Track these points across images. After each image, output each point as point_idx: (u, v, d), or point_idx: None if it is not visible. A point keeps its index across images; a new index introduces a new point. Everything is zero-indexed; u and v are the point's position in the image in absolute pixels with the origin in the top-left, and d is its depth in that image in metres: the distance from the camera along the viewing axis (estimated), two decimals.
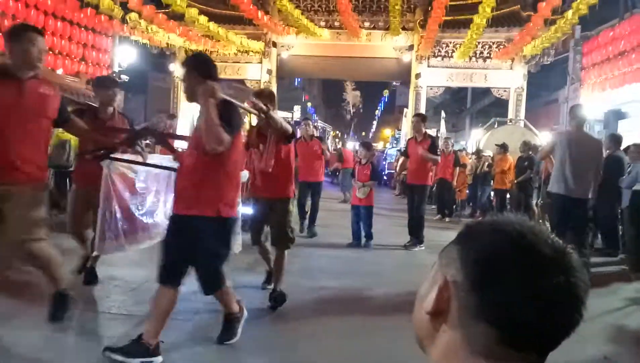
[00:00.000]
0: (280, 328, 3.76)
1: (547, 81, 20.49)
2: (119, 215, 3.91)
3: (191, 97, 2.81)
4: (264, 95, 3.80)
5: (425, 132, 6.79)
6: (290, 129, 3.66)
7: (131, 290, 4.33)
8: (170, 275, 2.80)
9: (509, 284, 0.60)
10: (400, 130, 22.08)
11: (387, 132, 35.31)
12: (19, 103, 2.95)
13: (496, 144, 10.41)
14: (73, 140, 7.39)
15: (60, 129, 6.89)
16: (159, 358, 2.81)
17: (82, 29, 13.06)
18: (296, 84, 30.04)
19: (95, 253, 4.17)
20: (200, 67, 2.85)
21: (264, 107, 3.17)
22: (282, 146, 3.80)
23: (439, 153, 6.55)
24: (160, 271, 2.82)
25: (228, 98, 2.79)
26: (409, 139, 7.27)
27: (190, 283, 3.04)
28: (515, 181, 9.38)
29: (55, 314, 3.22)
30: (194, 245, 2.77)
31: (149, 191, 4.31)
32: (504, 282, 0.60)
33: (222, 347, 3.19)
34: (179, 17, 12.64)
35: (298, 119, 13.73)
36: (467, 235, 0.68)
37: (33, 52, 2.97)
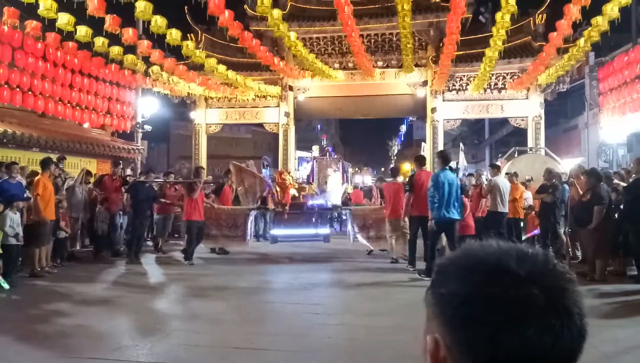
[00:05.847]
0: None
1: (565, 108, 20.38)
2: None
3: None
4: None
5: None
6: None
7: (158, 336, 4.34)
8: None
9: (486, 312, 0.55)
10: None
11: (407, 166, 35.30)
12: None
13: (506, 173, 10.27)
14: None
15: None
16: None
17: (107, 83, 13.66)
18: (317, 131, 30.65)
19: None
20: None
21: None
22: None
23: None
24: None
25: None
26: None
27: None
28: (540, 202, 9.16)
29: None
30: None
31: None
32: (481, 314, 0.55)
33: None
34: (198, 68, 13.13)
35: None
36: (438, 275, 0.63)
37: None
